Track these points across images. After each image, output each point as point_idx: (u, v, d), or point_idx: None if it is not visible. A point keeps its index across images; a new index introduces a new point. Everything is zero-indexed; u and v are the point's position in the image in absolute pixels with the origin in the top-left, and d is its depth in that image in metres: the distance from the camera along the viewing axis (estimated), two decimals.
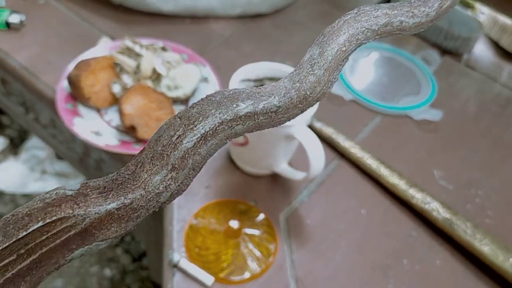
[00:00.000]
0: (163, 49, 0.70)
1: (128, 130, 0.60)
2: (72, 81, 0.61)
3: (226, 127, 0.18)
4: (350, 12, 0.21)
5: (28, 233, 0.15)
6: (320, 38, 0.20)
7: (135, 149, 0.59)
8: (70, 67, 0.65)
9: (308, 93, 0.19)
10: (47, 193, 0.17)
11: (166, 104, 0.62)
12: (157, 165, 0.17)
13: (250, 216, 0.55)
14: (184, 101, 0.67)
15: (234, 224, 0.51)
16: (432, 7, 0.21)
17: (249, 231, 0.54)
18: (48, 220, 0.16)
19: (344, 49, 0.20)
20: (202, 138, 0.18)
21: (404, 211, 0.58)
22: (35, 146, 1.09)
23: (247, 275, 0.50)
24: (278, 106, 0.19)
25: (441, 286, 0.52)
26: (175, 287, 0.48)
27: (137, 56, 0.67)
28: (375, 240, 0.55)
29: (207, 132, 0.18)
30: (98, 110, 0.64)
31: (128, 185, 0.17)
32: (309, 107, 0.20)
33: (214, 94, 0.19)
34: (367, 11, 0.20)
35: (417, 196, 0.57)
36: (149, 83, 0.65)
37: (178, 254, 0.50)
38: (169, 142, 0.17)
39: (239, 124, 0.18)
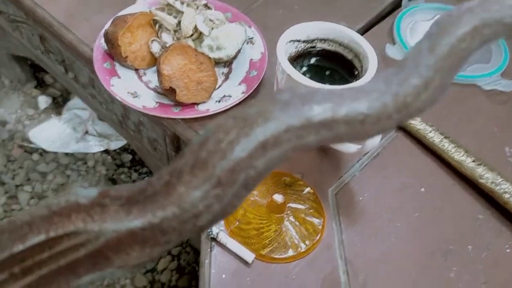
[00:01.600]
0: (206, 6, 0.64)
1: (167, 92, 0.56)
2: (109, 39, 0.57)
3: (293, 136, 0.14)
4: None
5: (26, 248, 0.13)
6: (432, 28, 0.16)
7: (174, 112, 0.55)
8: (108, 24, 0.62)
9: (409, 100, 0.15)
10: (55, 199, 0.14)
11: (208, 65, 0.57)
12: (199, 176, 0.14)
13: (296, 190, 0.50)
14: (227, 63, 0.62)
15: (278, 198, 0.47)
16: None
17: (294, 205, 0.49)
18: (52, 234, 0.13)
19: (463, 46, 0.15)
20: (261, 148, 0.14)
21: (470, 191, 0.52)
22: (77, 106, 1.09)
23: (290, 253, 0.46)
24: (367, 115, 0.15)
25: (511, 276, 0.46)
26: (213, 262, 0.45)
27: (178, 13, 0.62)
28: (436, 222, 0.49)
29: (268, 140, 0.14)
30: (136, 70, 0.61)
31: (159, 199, 0.14)
32: (408, 119, 0.15)
33: (281, 92, 0.15)
34: None
35: (486, 176, 0.50)
36: (190, 42, 0.60)
37: (216, 227, 0.47)
38: (217, 149, 0.14)
39: (311, 134, 0.14)
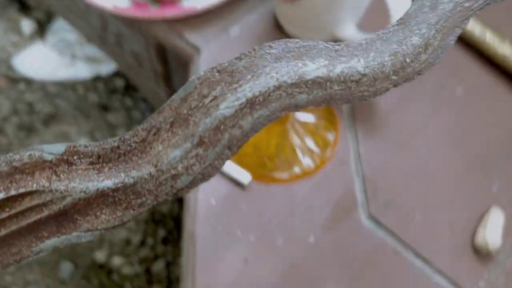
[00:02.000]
0: None
1: None
2: None
3: (284, 93, 0.14)
4: None
5: None
6: None
7: (152, 11, 0.45)
8: None
9: (408, 60, 0.15)
10: (16, 153, 0.13)
11: None
12: (179, 134, 0.13)
13: None
14: None
15: None
16: None
17: (300, 116, 0.40)
18: (13, 192, 0.12)
19: (467, 4, 0.15)
20: (248, 105, 0.13)
21: None
22: (63, 29, 0.98)
23: (296, 171, 0.38)
24: (363, 74, 0.14)
25: None
26: (200, 189, 0.36)
27: None
28: (475, 129, 0.41)
29: (256, 97, 0.13)
30: None
31: (134, 158, 0.13)
32: (406, 81, 0.15)
33: (273, 45, 0.14)
34: None
35: None
36: None
37: None
38: (200, 105, 0.13)
39: (302, 92, 0.14)
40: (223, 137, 0.13)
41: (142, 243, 0.83)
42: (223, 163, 0.14)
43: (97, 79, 0.95)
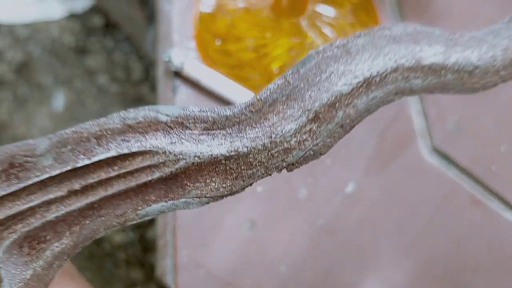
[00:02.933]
0: None
1: None
2: None
3: (400, 76, 0.13)
4: None
5: (92, 163, 0.12)
6: None
7: None
8: None
9: None
10: (130, 111, 0.13)
11: None
12: (294, 108, 0.13)
13: None
14: None
15: None
16: None
17: (323, 9, 0.27)
18: (125, 151, 0.12)
19: None
20: (365, 85, 0.13)
21: None
22: None
23: None
24: (476, 66, 0.14)
25: None
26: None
27: None
28: None
29: (374, 77, 0.13)
30: None
31: (248, 128, 0.13)
32: None
33: (392, 27, 0.14)
34: None
35: None
36: None
37: (181, 53, 0.25)
38: (317, 79, 0.13)
39: (418, 77, 0.14)
40: (337, 115, 0.13)
41: None
42: (335, 142, 0.14)
43: (72, 17, 0.82)
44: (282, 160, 0.13)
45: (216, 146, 0.13)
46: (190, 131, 0.13)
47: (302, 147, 0.13)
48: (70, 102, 0.79)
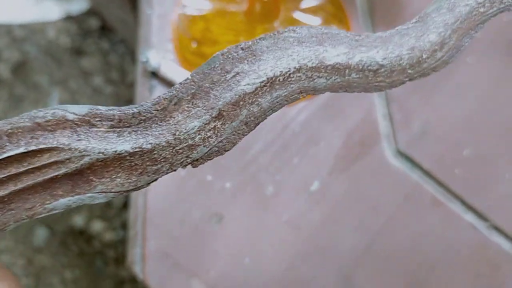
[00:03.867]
0: None
1: None
2: None
3: (304, 76, 0.14)
4: None
5: (2, 159, 0.13)
6: None
7: None
8: None
9: (424, 56, 0.15)
10: (40, 110, 0.13)
11: None
12: (199, 106, 0.14)
13: None
14: None
15: None
16: None
17: (298, 15, 0.28)
18: (33, 147, 0.13)
19: (482, 10, 0.16)
20: (268, 84, 0.14)
21: None
22: None
23: None
24: (381, 65, 0.15)
25: None
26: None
27: None
28: None
29: (277, 77, 0.14)
30: None
31: (153, 125, 0.14)
32: (421, 76, 0.16)
33: (297, 29, 0.15)
34: None
35: None
36: None
37: (158, 56, 0.26)
38: (222, 79, 0.14)
39: (322, 77, 0.15)
40: (241, 113, 0.14)
41: (125, 205, 0.73)
42: (239, 139, 0.15)
43: (68, 19, 0.83)
44: (186, 156, 0.14)
45: (121, 143, 0.13)
46: (96, 129, 0.13)
47: (207, 143, 0.14)
48: (65, 102, 0.80)
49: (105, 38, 0.82)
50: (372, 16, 0.29)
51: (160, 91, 0.27)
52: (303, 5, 0.29)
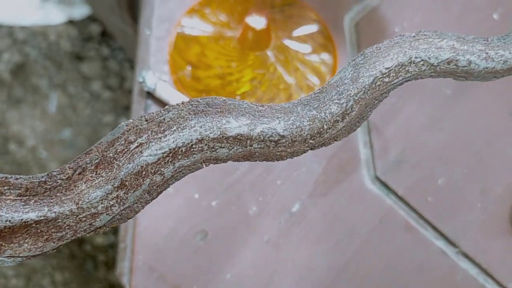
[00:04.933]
0: None
1: None
2: None
3: (206, 147, 0.15)
4: (406, 33, 0.16)
5: None
6: (357, 58, 0.16)
7: None
8: None
9: (325, 127, 0.16)
10: None
11: None
12: (102, 176, 0.14)
13: (290, 16, 0.31)
14: None
15: (256, 21, 0.27)
16: None
17: (287, 41, 0.30)
18: None
19: (386, 80, 0.16)
20: (171, 155, 0.15)
21: None
22: None
23: None
24: (282, 136, 0.15)
25: None
26: None
27: None
28: None
29: (179, 148, 0.15)
30: None
31: (58, 194, 0.14)
32: (322, 145, 0.16)
33: (199, 100, 0.15)
34: (429, 37, 0.16)
35: None
36: None
37: (154, 76, 0.28)
38: (125, 150, 0.14)
39: (224, 147, 0.15)
40: (144, 182, 0.15)
41: None
42: (142, 207, 0.15)
43: (70, 24, 0.85)
44: (90, 224, 0.15)
45: (27, 211, 0.14)
46: (4, 197, 0.14)
47: (110, 212, 0.14)
48: (63, 106, 0.81)
49: (105, 44, 0.84)
50: (359, 48, 0.31)
51: (154, 110, 0.28)
52: (294, 34, 0.31)
